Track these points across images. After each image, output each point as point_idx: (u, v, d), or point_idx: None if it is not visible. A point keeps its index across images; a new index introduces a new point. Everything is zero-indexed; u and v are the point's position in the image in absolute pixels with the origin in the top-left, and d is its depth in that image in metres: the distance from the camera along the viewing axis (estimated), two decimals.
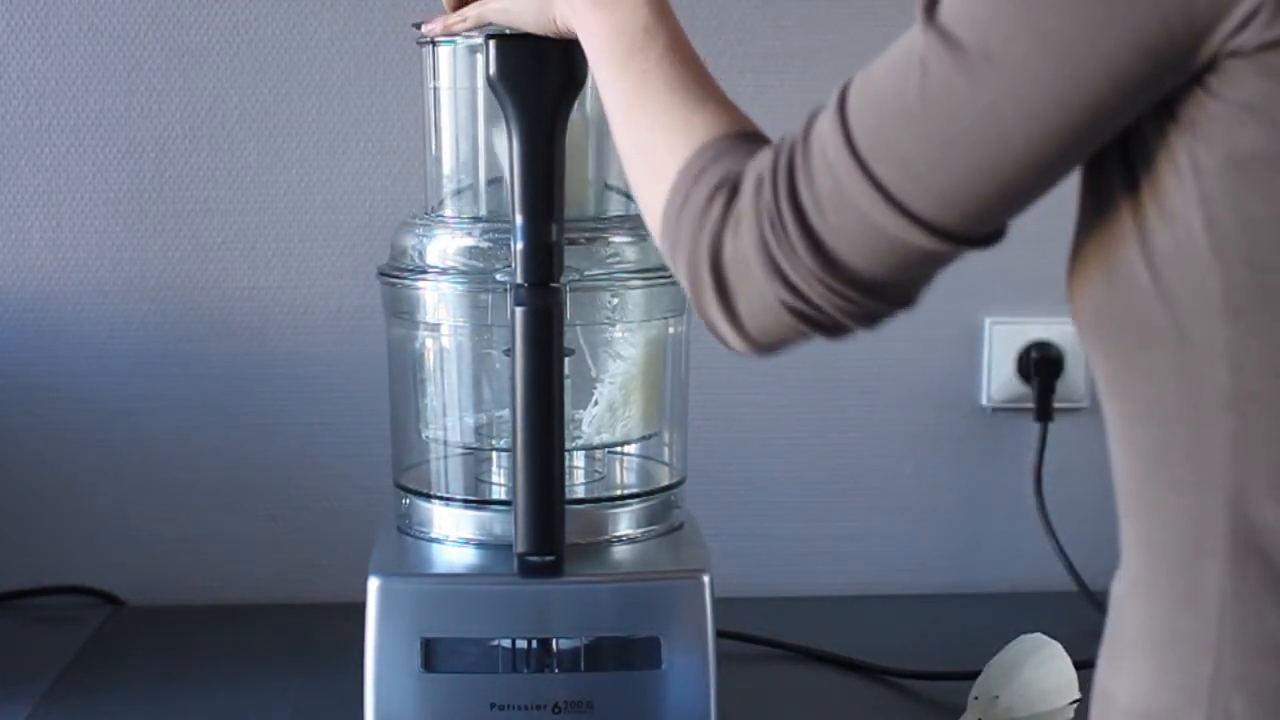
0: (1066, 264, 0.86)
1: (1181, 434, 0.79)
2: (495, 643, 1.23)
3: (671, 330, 1.34)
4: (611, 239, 1.29)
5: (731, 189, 0.88)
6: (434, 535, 1.30)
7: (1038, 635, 1.36)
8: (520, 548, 1.20)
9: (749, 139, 0.94)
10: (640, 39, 1.00)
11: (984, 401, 1.75)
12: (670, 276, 1.31)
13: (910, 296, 0.87)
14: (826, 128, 0.83)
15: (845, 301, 0.85)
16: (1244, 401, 0.77)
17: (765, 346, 0.90)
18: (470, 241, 1.27)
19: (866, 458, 1.75)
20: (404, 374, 1.34)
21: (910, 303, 0.87)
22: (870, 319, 0.87)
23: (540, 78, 1.18)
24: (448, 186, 1.31)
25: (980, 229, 0.82)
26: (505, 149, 1.21)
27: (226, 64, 1.67)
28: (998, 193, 0.79)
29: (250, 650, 1.56)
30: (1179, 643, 0.80)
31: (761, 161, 0.86)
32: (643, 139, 0.98)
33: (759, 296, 0.86)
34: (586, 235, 1.26)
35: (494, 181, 1.29)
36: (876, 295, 0.85)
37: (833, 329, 0.87)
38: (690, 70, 1.00)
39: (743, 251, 0.86)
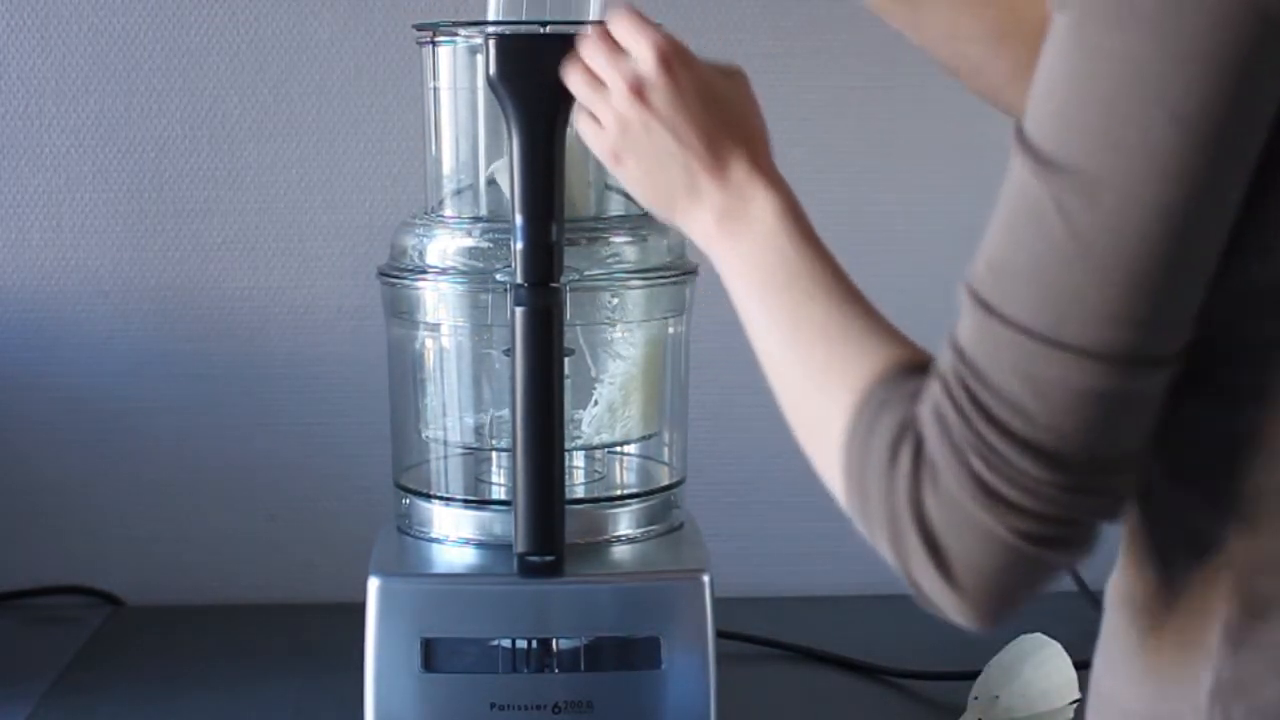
0: None
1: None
2: (495, 643, 1.23)
3: (671, 330, 1.34)
4: (611, 239, 1.28)
5: (915, 438, 0.79)
6: (434, 535, 1.30)
7: (1038, 635, 1.36)
8: (520, 548, 1.20)
9: (908, 372, 0.85)
10: (778, 271, 0.95)
11: None
12: (670, 276, 1.32)
13: (1138, 458, 0.78)
14: (977, 333, 0.78)
15: (1086, 496, 0.76)
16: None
17: (990, 607, 0.80)
18: (470, 241, 1.27)
19: None
20: (404, 374, 1.34)
21: (1139, 465, 0.79)
22: (1114, 505, 0.79)
23: (540, 78, 1.18)
24: (448, 186, 1.31)
25: (1177, 338, 0.76)
26: (506, 167, 1.20)
27: (226, 64, 1.67)
28: (1183, 291, 0.75)
29: (250, 650, 1.56)
30: (1180, 649, 0.80)
31: (933, 397, 0.79)
32: (797, 387, 0.93)
33: (982, 543, 0.77)
34: (586, 235, 1.26)
35: (494, 181, 1.29)
36: (1112, 471, 0.77)
37: (1077, 541, 0.78)
38: (833, 296, 0.94)
39: (950, 499, 0.77)
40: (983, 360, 0.77)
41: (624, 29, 1.02)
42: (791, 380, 0.93)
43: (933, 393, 0.79)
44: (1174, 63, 0.71)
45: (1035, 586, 0.79)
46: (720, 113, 1.01)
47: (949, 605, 0.81)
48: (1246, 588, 0.78)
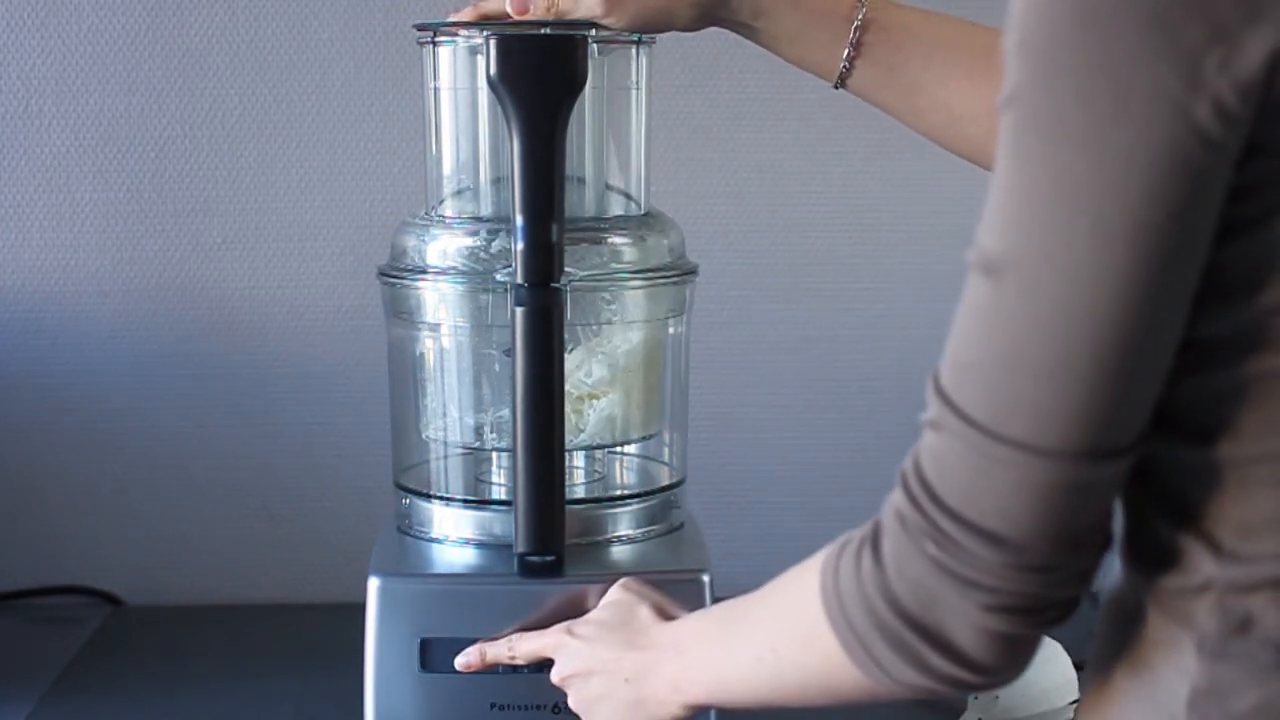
0: None
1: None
2: None
3: (671, 330, 1.34)
4: (611, 239, 1.28)
5: (873, 540, 0.82)
6: (434, 535, 1.30)
7: None
8: (521, 548, 1.20)
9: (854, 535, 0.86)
10: (722, 630, 1.00)
11: None
12: (670, 276, 1.32)
13: (1097, 535, 0.80)
14: (935, 422, 0.78)
15: (1045, 574, 0.77)
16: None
17: (1002, 666, 0.80)
18: (470, 241, 1.27)
19: (866, 458, 1.75)
20: (404, 374, 1.34)
21: (1107, 543, 0.81)
22: (1077, 580, 0.80)
23: (541, 78, 1.18)
24: (448, 186, 1.31)
25: (1129, 431, 0.76)
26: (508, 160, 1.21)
27: (226, 64, 1.67)
28: (1130, 388, 0.75)
29: (250, 650, 1.56)
30: (1160, 658, 0.81)
31: (893, 498, 0.81)
32: (776, 650, 0.93)
33: (965, 618, 0.79)
34: (586, 235, 1.26)
35: (495, 181, 1.29)
36: (1069, 550, 0.77)
37: (1051, 610, 0.80)
38: (761, 593, 0.99)
39: (917, 581, 0.79)
40: (939, 448, 0.78)
41: (521, 652, 1.15)
42: (772, 653, 0.93)
43: (892, 497, 0.81)
44: (1102, 177, 0.71)
45: (1029, 646, 0.81)
46: (617, 625, 1.09)
47: (966, 678, 0.81)
48: (1227, 605, 0.78)
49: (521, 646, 1.15)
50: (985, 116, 1.18)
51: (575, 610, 1.16)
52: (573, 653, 1.10)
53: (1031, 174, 0.74)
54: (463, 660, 1.18)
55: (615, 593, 1.13)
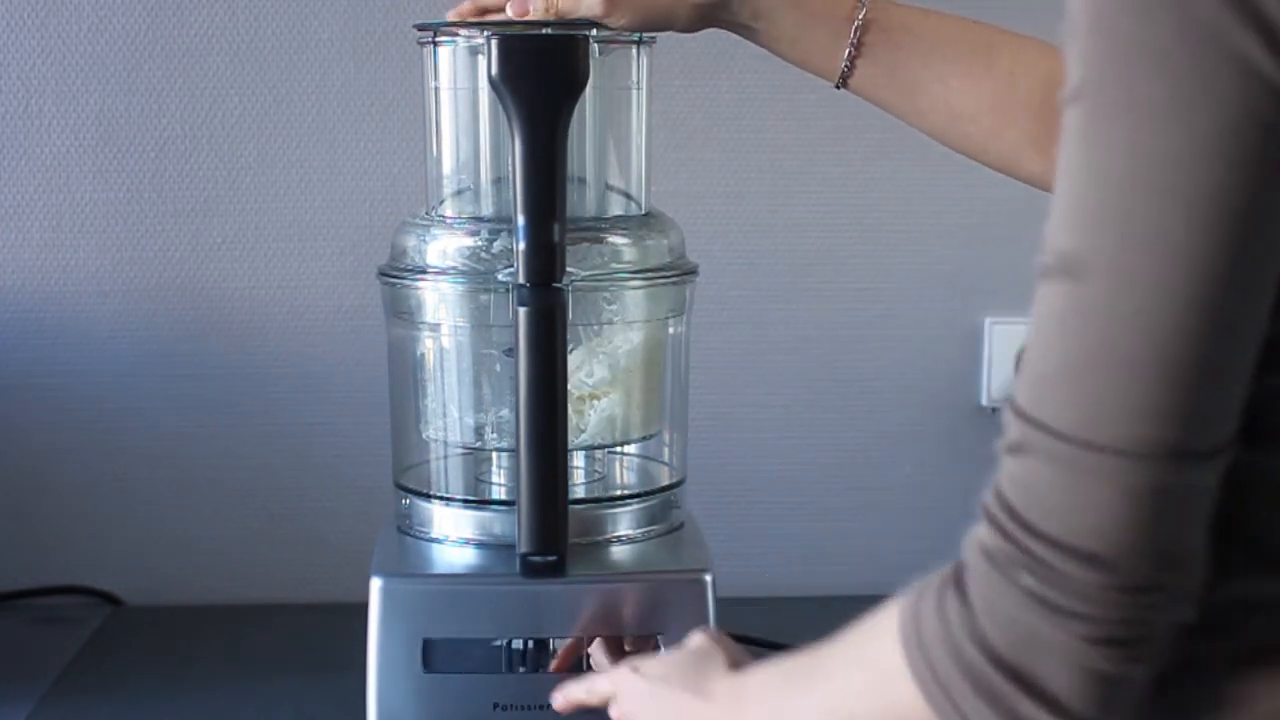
0: None
1: None
2: (497, 643, 1.23)
3: (671, 330, 1.34)
4: (611, 239, 1.28)
5: (956, 580, 0.78)
6: (434, 535, 1.30)
7: None
8: (523, 548, 1.20)
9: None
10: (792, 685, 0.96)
11: (984, 401, 1.75)
12: (670, 276, 1.32)
13: (1198, 550, 0.75)
14: (1018, 445, 0.75)
15: (1146, 594, 0.73)
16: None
17: (1098, 713, 0.75)
18: (471, 241, 1.27)
19: (866, 458, 1.76)
20: (404, 374, 1.34)
21: (1201, 557, 0.75)
22: (1179, 602, 0.75)
23: (542, 77, 1.18)
24: (448, 186, 1.31)
25: (1221, 430, 0.73)
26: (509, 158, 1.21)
27: (226, 64, 1.67)
28: (1220, 382, 0.72)
29: (250, 650, 1.56)
30: (1184, 673, 0.79)
31: (975, 535, 0.77)
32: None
33: (1063, 655, 0.74)
34: (587, 235, 1.26)
35: (496, 181, 1.29)
36: (1170, 568, 0.74)
37: (1151, 641, 0.75)
38: (829, 646, 0.92)
39: (1015, 622, 0.74)
40: (1024, 472, 0.74)
41: (596, 693, 1.12)
42: (842, 704, 0.88)
43: (975, 532, 0.77)
44: (1189, 153, 0.69)
45: (1129, 691, 0.75)
46: (684, 668, 1.07)
47: None
48: (1275, 619, 0.78)
49: (596, 689, 1.12)
50: (985, 114, 1.18)
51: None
52: (634, 691, 1.08)
53: (1110, 160, 0.71)
54: (559, 703, 1.15)
55: (694, 638, 1.10)
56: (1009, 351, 1.73)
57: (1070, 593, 0.73)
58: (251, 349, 1.70)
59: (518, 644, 1.23)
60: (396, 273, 1.30)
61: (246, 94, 1.67)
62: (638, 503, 1.32)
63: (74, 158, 1.67)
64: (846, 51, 1.19)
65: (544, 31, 1.20)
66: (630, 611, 1.22)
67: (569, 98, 1.18)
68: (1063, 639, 0.74)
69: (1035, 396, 0.74)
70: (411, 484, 1.34)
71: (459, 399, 1.31)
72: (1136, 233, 0.70)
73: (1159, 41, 0.70)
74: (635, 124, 1.31)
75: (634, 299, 1.30)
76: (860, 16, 1.18)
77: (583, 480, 1.34)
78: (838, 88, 1.21)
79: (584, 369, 1.28)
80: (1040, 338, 0.74)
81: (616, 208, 1.31)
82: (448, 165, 1.31)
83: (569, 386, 1.22)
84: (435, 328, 1.31)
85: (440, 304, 1.30)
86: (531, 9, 1.20)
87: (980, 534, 0.76)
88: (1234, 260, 0.70)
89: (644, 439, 1.35)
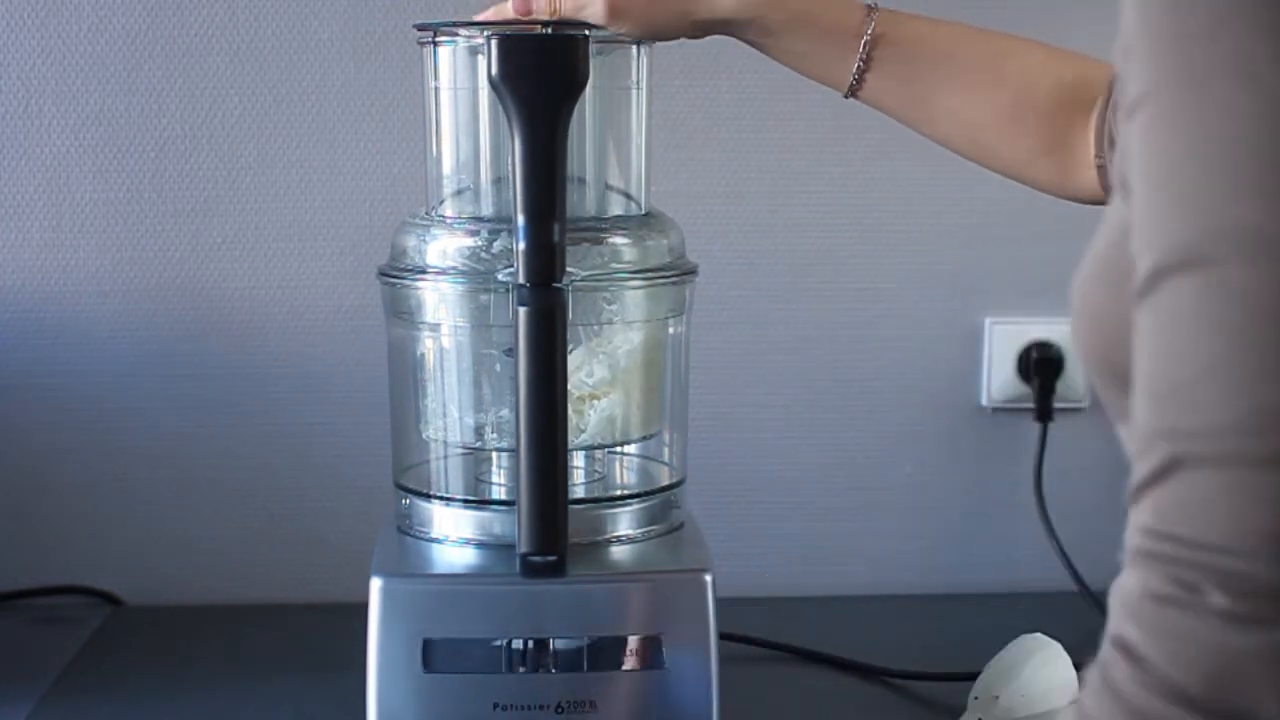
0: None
1: None
2: (497, 643, 1.23)
3: (671, 330, 1.34)
4: (611, 239, 1.28)
5: (1114, 657, 0.68)
6: (434, 535, 1.30)
7: (1038, 635, 1.36)
8: (523, 548, 1.20)
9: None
10: None
11: (984, 401, 1.75)
12: (670, 276, 1.32)
13: None
14: (1161, 472, 0.67)
15: None
16: None
17: None
18: (471, 241, 1.27)
19: (866, 458, 1.76)
20: (404, 374, 1.34)
21: None
22: None
23: (542, 77, 1.18)
24: (448, 186, 1.31)
25: None
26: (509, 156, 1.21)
27: (226, 64, 1.67)
28: None
29: (250, 650, 1.56)
30: None
31: (1129, 595, 0.68)
32: None
33: (1271, 671, 0.65)
34: (587, 235, 1.26)
35: (496, 181, 1.29)
36: None
37: None
38: None
39: (1211, 654, 0.66)
40: (1184, 493, 0.67)
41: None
42: None
43: (1126, 593, 0.68)
44: None
45: None
46: None
47: None
48: None
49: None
50: (997, 122, 1.18)
51: None
52: None
53: (1215, 132, 0.67)
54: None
55: None
56: (1009, 351, 1.73)
57: (1273, 596, 0.65)
58: (251, 349, 1.70)
59: (518, 644, 1.22)
60: (396, 273, 1.30)
61: (246, 94, 1.67)
62: (638, 503, 1.32)
63: (74, 158, 1.67)
64: (856, 65, 1.19)
65: (544, 31, 1.20)
66: (630, 611, 1.22)
67: (569, 98, 1.18)
68: (1268, 653, 0.66)
69: (1180, 407, 0.67)
70: (411, 484, 1.34)
71: (459, 399, 1.31)
72: (1264, 200, 0.65)
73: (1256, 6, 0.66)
74: (635, 124, 1.31)
75: (634, 299, 1.30)
76: (869, 31, 1.18)
77: (583, 480, 1.34)
78: (846, 98, 1.21)
79: (584, 369, 1.28)
80: (1168, 347, 0.68)
81: (616, 208, 1.31)
82: (448, 165, 1.31)
83: (569, 386, 1.22)
84: (435, 328, 1.31)
85: (440, 304, 1.30)
86: (535, 8, 1.20)
87: (1138, 588, 0.68)
88: None
89: (644, 439, 1.35)
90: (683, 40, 1.25)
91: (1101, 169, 1.16)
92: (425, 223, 1.31)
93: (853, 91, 1.21)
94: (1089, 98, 1.18)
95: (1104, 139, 1.15)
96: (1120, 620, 0.68)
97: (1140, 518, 0.68)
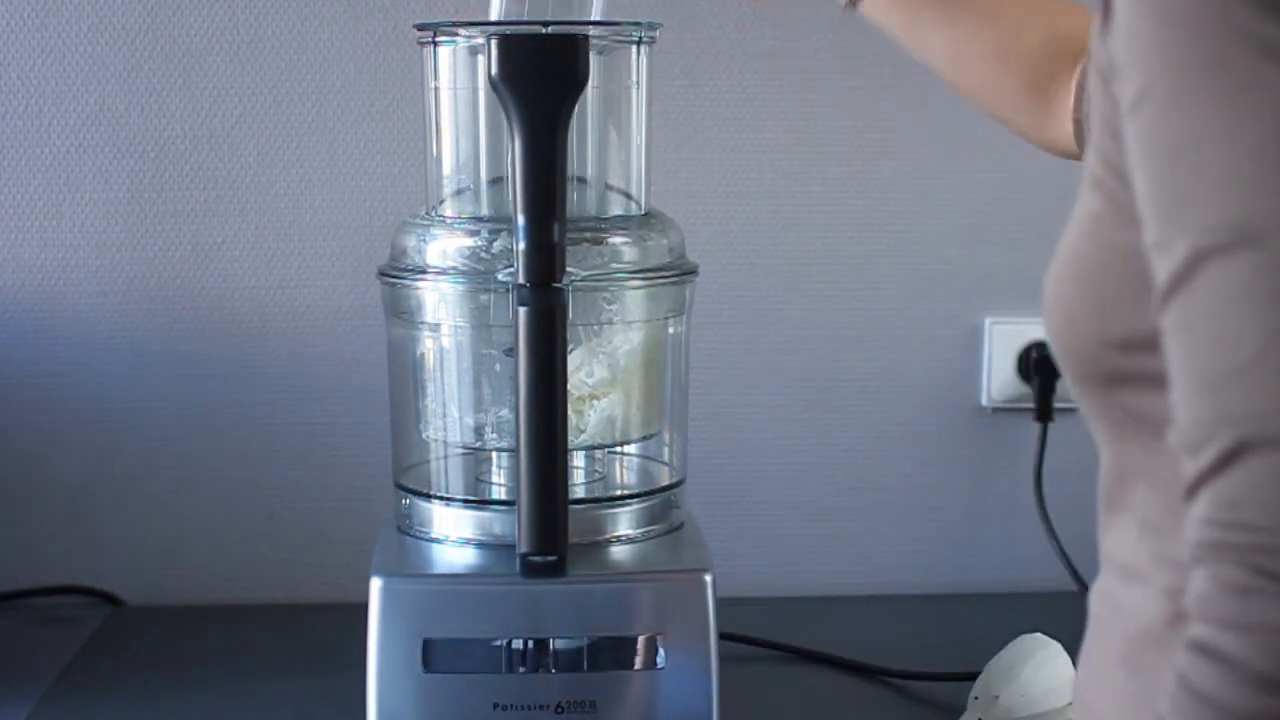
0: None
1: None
2: (497, 643, 1.23)
3: (671, 330, 1.34)
4: (611, 239, 1.29)
5: (1195, 659, 0.66)
6: (434, 535, 1.30)
7: (1038, 635, 1.36)
8: (523, 548, 1.20)
9: None
10: None
11: (984, 401, 1.75)
12: (670, 276, 1.32)
13: None
14: (1225, 460, 0.65)
15: None
16: None
17: None
18: (471, 241, 1.27)
19: (866, 458, 1.76)
20: (404, 374, 1.34)
21: None
22: None
23: (542, 77, 1.18)
24: (448, 186, 1.31)
25: None
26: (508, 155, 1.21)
27: (226, 64, 1.67)
28: None
29: (250, 650, 1.56)
30: (1158, 664, 0.80)
31: (1205, 597, 0.66)
32: None
33: None
34: (587, 235, 1.26)
35: (495, 181, 1.29)
36: None
37: None
38: None
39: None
40: (1253, 478, 0.64)
41: None
42: None
43: (1202, 594, 0.66)
44: None
45: None
46: None
47: None
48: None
49: None
50: (987, 58, 1.18)
51: None
52: None
53: (1244, 109, 0.66)
54: None
55: None
56: (1009, 351, 1.73)
57: None
58: (251, 349, 1.70)
59: (518, 644, 1.23)
60: (396, 273, 1.30)
61: (246, 94, 1.67)
62: (638, 503, 1.32)
63: (74, 158, 1.67)
64: None
65: (544, 31, 1.20)
66: (630, 611, 1.22)
67: (569, 98, 1.18)
68: None
69: (1239, 391, 0.65)
70: (411, 484, 1.34)
71: (459, 399, 1.31)
72: None
73: None
74: (635, 124, 1.32)
75: (634, 299, 1.30)
76: None
77: (583, 480, 1.34)
78: (844, 10, 1.21)
79: (584, 369, 1.28)
80: (1218, 331, 0.65)
81: (616, 208, 1.31)
82: (447, 165, 1.31)
83: (569, 386, 1.22)
84: (435, 328, 1.31)
85: (440, 304, 1.30)
86: None
87: (1211, 585, 0.66)
88: None
89: (644, 439, 1.35)
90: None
91: (1078, 124, 1.16)
92: (425, 223, 1.31)
93: (852, 2, 1.20)
94: (1078, 50, 1.17)
95: (1084, 96, 1.15)
96: (1195, 625, 0.66)
97: (1203, 510, 0.65)
